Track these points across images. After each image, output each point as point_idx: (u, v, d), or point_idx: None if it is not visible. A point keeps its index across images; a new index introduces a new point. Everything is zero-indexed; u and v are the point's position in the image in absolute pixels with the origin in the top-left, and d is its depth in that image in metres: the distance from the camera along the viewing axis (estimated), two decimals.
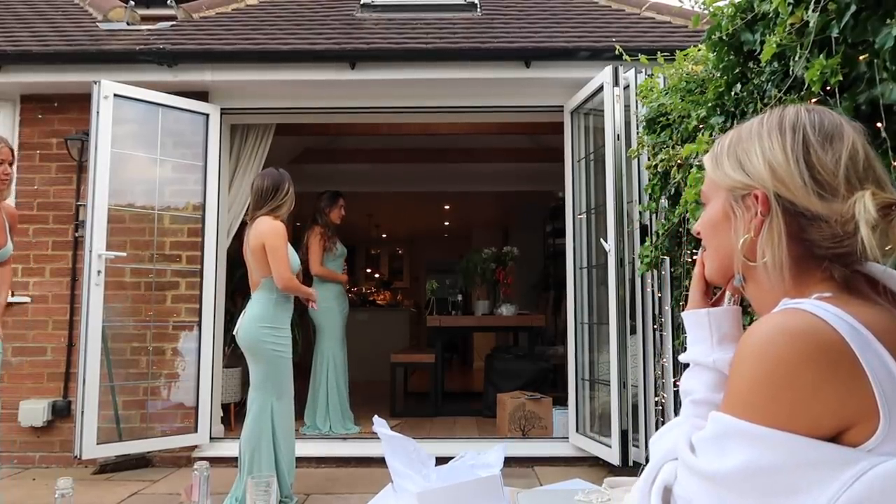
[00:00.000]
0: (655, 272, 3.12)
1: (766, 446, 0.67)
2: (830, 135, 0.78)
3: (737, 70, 2.26)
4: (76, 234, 4.26)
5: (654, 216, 3.21)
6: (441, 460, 1.66)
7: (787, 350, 0.68)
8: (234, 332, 3.19)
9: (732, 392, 0.73)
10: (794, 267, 0.77)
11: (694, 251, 2.68)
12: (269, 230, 3.11)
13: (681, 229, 2.75)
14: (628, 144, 3.50)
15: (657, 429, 3.09)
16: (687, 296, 2.91)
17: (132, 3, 5.01)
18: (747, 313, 1.21)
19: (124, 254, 4.03)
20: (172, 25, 4.89)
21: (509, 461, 2.39)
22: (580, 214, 4.22)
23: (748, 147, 0.82)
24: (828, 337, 0.67)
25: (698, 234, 0.93)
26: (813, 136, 0.78)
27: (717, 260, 0.89)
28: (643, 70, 3.44)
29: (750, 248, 0.81)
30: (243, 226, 3.87)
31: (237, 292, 5.15)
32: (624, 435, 3.48)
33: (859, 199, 0.73)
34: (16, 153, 2.89)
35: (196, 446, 4.13)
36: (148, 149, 4.15)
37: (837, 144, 0.77)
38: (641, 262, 3.07)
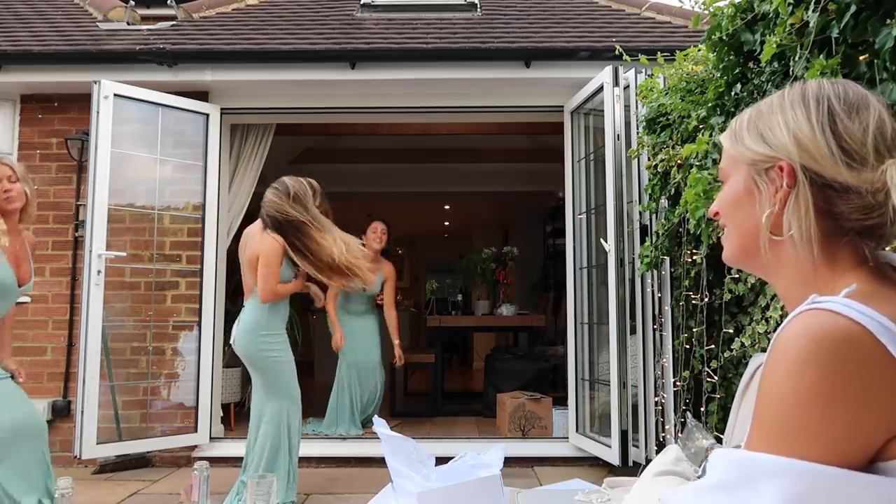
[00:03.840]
0: (655, 272, 3.12)
1: (815, 487, 0.58)
2: (856, 105, 0.75)
3: (737, 70, 2.26)
4: (76, 234, 4.26)
5: (654, 216, 3.20)
6: (441, 460, 1.66)
7: (832, 357, 0.62)
8: (231, 342, 3.15)
9: (770, 417, 0.64)
10: (823, 241, 0.74)
11: (694, 251, 2.67)
12: (267, 248, 3.04)
13: (681, 229, 2.75)
14: (628, 144, 3.50)
15: (657, 429, 3.10)
16: (687, 295, 2.87)
17: (132, 2, 5.01)
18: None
19: (124, 254, 4.03)
20: (172, 25, 4.89)
21: (509, 461, 2.39)
22: (580, 214, 4.22)
23: (770, 120, 0.79)
24: (866, 340, 0.63)
25: (716, 214, 0.87)
26: (838, 105, 0.75)
27: (739, 238, 0.84)
28: (643, 70, 3.44)
29: (775, 222, 0.77)
30: (243, 226, 3.87)
31: (237, 292, 5.14)
32: (624, 435, 3.48)
33: (890, 166, 0.70)
34: (17, 168, 2.54)
35: (196, 446, 4.13)
36: (148, 149, 4.15)
37: (864, 114, 0.74)
38: (641, 262, 3.07)
